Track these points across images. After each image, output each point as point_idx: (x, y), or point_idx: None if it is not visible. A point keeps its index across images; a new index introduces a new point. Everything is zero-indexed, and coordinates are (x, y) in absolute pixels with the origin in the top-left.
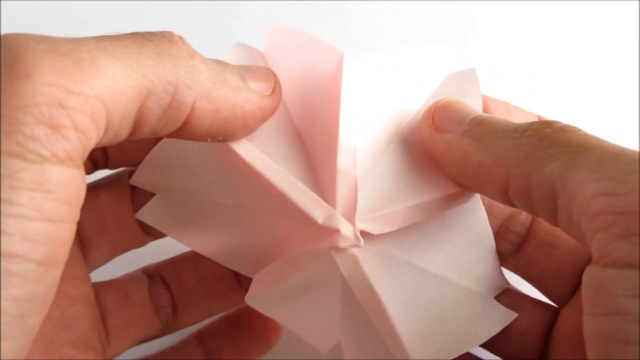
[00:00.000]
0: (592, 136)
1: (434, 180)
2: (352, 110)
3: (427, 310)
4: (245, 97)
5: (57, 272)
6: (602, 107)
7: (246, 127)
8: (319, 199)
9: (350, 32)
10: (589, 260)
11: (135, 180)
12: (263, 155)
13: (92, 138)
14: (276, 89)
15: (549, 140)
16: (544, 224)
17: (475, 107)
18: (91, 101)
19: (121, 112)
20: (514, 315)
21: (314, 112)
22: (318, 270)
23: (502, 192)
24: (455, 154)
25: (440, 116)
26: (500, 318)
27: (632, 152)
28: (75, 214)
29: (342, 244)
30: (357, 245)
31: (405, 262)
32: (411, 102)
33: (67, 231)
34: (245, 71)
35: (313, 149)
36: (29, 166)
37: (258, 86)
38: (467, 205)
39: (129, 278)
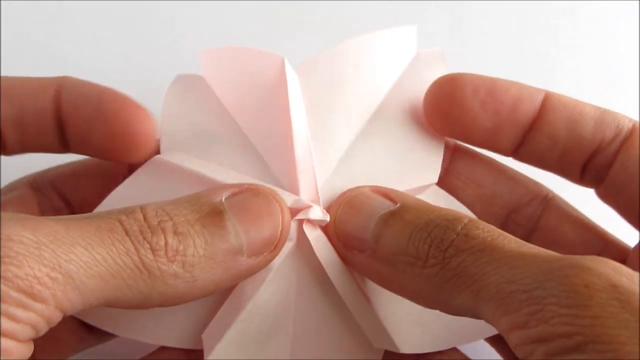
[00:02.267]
0: (485, 246)
1: (399, 171)
2: (302, 106)
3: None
4: (231, 274)
5: None
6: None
7: None
8: (284, 190)
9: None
10: None
11: None
12: (222, 168)
13: (42, 333)
14: (279, 245)
15: (450, 269)
16: (552, 221)
17: None
18: (50, 309)
19: (81, 309)
20: None
21: (265, 117)
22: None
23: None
24: (375, 277)
25: (342, 234)
26: None
27: (527, 269)
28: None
29: (312, 216)
30: (324, 220)
31: None
32: (377, 89)
33: None
34: (250, 243)
35: (268, 153)
36: None
37: (257, 256)
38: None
39: None
